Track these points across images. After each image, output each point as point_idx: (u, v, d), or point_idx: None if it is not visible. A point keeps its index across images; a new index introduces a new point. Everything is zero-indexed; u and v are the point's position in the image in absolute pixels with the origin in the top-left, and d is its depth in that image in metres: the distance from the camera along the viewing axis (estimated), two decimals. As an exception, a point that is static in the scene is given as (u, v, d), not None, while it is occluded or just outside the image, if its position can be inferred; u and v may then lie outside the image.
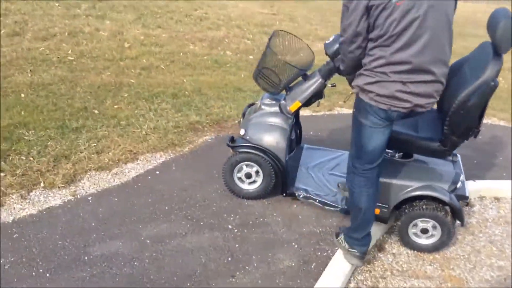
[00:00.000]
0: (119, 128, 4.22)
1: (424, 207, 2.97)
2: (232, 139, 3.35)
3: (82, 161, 3.64)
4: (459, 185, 3.08)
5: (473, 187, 3.98)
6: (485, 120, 5.56)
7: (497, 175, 4.25)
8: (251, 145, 3.24)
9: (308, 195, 3.30)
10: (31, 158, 3.56)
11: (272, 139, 3.24)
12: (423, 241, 3.13)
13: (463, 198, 3.09)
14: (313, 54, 3.21)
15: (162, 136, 4.17)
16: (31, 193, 3.22)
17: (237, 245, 2.94)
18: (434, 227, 3.05)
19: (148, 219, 3.08)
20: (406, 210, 3.02)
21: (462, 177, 3.15)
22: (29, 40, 6.51)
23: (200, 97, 5.25)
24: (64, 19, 7.80)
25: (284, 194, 3.36)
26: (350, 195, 2.76)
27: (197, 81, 5.79)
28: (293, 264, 2.82)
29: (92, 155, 3.74)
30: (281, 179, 3.30)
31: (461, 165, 3.32)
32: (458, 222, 3.06)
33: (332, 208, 3.26)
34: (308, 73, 3.24)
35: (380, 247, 3.17)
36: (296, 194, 3.32)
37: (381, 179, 2.93)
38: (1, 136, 3.77)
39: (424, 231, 3.07)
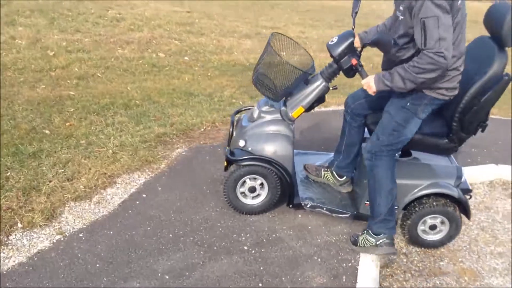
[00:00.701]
0: (81, 149, 3.79)
1: (434, 203, 2.98)
2: (231, 153, 3.10)
3: (55, 192, 3.20)
4: (463, 179, 3.13)
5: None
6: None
7: (461, 162, 4.42)
8: (257, 156, 3.02)
9: (315, 204, 3.17)
10: (-5, 195, 3.06)
11: (278, 149, 3.05)
12: (431, 237, 3.16)
13: (467, 191, 3.15)
14: (311, 57, 3.06)
15: (132, 154, 3.81)
16: (10, 237, 2.76)
17: (261, 268, 2.74)
18: (442, 223, 3.07)
19: (156, 251, 2.78)
20: (416, 209, 3.01)
21: (462, 171, 3.20)
22: None
23: (153, 105, 4.90)
24: (-35, 28, 6.92)
25: (291, 206, 3.19)
26: (375, 181, 2.81)
27: (142, 88, 5.41)
28: (325, 280, 2.70)
29: (64, 183, 3.31)
30: (289, 190, 3.12)
31: (454, 159, 3.38)
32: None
33: (341, 215, 3.16)
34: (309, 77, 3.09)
35: (393, 249, 3.13)
36: (303, 204, 3.17)
37: None
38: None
39: (433, 227, 3.08)
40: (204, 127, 4.52)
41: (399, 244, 3.21)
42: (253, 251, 2.87)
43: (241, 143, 3.07)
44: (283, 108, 3.07)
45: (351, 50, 2.81)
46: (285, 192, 3.14)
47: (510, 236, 3.47)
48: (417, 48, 2.45)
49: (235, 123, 3.35)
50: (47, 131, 4.03)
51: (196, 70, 6.55)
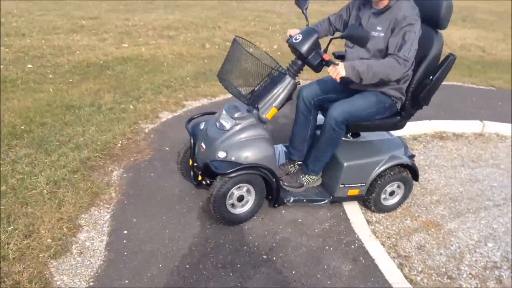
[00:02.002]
0: (10, 197, 3.23)
1: (392, 173, 3.41)
2: (212, 166, 2.98)
3: (25, 255, 2.73)
4: (407, 147, 3.64)
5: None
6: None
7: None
8: (247, 165, 3.01)
9: (296, 199, 3.32)
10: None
11: (261, 153, 3.07)
12: (391, 201, 3.60)
13: (412, 157, 3.66)
14: (272, 57, 3.10)
15: (72, 189, 3.39)
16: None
17: (293, 272, 2.83)
18: (398, 187, 3.54)
19: (189, 285, 2.63)
20: (379, 182, 3.39)
21: (405, 142, 3.69)
22: None
23: (44, 128, 4.33)
24: None
25: (276, 205, 3.28)
26: (330, 140, 3.17)
27: (12, 109, 4.69)
28: (350, 266, 2.91)
29: (27, 242, 2.82)
30: (276, 191, 3.19)
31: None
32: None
33: (320, 203, 3.38)
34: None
35: (367, 220, 3.51)
36: (285, 201, 3.29)
37: (357, 161, 3.29)
38: None
39: (391, 193, 3.53)
40: (120, 142, 4.20)
41: (366, 214, 3.57)
42: (274, 258, 2.91)
43: (221, 154, 3.00)
44: (255, 111, 3.08)
45: (317, 46, 2.94)
46: (270, 193, 3.20)
47: (432, 184, 4.12)
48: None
49: (194, 134, 3.24)
50: None
51: (52, 78, 5.87)
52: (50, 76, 5.94)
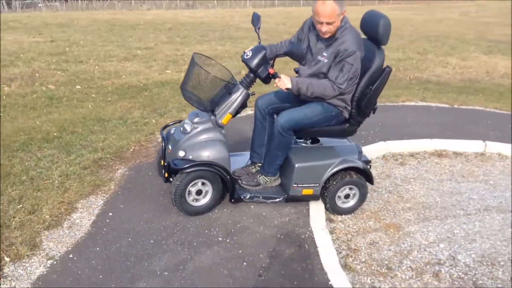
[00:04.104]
0: (27, 184, 3.92)
1: (344, 176, 3.74)
2: (173, 163, 3.43)
3: (25, 225, 3.36)
4: (363, 153, 3.99)
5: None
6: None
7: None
8: (200, 162, 3.43)
9: (252, 195, 3.70)
10: (-34, 238, 3.14)
11: (215, 152, 3.48)
12: (348, 204, 3.91)
13: (367, 162, 4.00)
14: (229, 71, 3.52)
15: (79, 181, 4.03)
16: (4, 270, 2.91)
17: (240, 251, 3.25)
18: (351, 189, 3.84)
19: (146, 255, 3.13)
20: (331, 186, 3.73)
21: (361, 147, 4.05)
22: None
23: (72, 135, 5.08)
24: None
25: (232, 200, 3.67)
26: (281, 144, 3.55)
27: (51, 120, 5.51)
28: (293, 250, 3.29)
29: (29, 217, 3.46)
30: (231, 188, 3.59)
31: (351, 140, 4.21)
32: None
33: (275, 200, 3.76)
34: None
35: (330, 220, 3.85)
36: (242, 197, 3.68)
37: (308, 163, 3.67)
38: None
39: (346, 196, 3.85)
40: (133, 148, 4.85)
41: (335, 217, 3.91)
42: (228, 240, 3.36)
43: (181, 153, 3.44)
44: (212, 117, 3.53)
45: (265, 61, 3.42)
46: (226, 189, 3.62)
47: (411, 193, 4.39)
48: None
49: (165, 138, 3.72)
50: (-19, 174, 4.05)
51: (94, 97, 6.72)
52: (93, 95, 6.81)
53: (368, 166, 3.94)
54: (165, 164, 3.57)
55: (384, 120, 6.15)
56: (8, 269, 2.92)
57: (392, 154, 5.31)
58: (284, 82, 3.29)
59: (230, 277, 2.96)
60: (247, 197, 3.67)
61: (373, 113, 3.72)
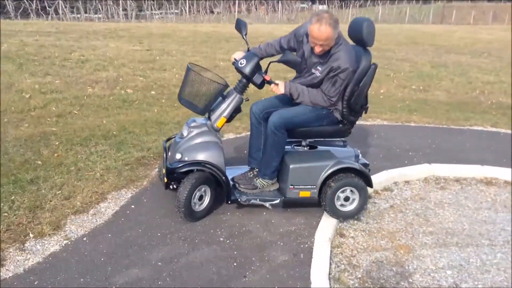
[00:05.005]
0: (73, 174, 4.40)
1: (340, 179, 3.77)
2: (167, 168, 3.60)
3: (57, 209, 3.79)
4: (360, 156, 4.05)
5: (387, 176, 4.92)
6: (374, 122, 6.69)
7: (401, 163, 5.25)
8: (194, 161, 3.59)
9: (249, 198, 3.77)
10: (6, 214, 3.63)
11: (210, 153, 3.63)
12: (349, 208, 3.92)
13: (366, 165, 4.04)
14: (222, 78, 3.62)
15: (118, 175, 4.43)
16: (26, 244, 3.33)
17: (235, 252, 3.41)
18: (352, 192, 3.85)
19: (149, 246, 3.40)
20: (329, 188, 3.77)
21: (358, 151, 4.10)
22: None
23: (129, 135, 5.54)
24: None
25: (229, 202, 3.76)
26: (275, 144, 3.69)
27: (117, 121, 6.05)
28: (286, 258, 3.38)
29: (63, 202, 3.90)
30: (226, 188, 3.69)
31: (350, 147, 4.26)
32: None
33: (273, 202, 3.84)
34: (224, 93, 3.72)
35: (341, 234, 3.86)
36: (239, 200, 3.77)
37: (304, 165, 3.77)
38: (-39, 198, 3.76)
39: (346, 198, 3.86)
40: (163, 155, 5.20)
41: (346, 230, 3.92)
42: (228, 241, 3.54)
43: (178, 156, 3.61)
44: (208, 122, 3.73)
45: (258, 68, 3.62)
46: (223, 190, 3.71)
47: (439, 218, 4.25)
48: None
49: (167, 149, 3.85)
50: (39, 162, 4.62)
51: (163, 103, 7.24)
52: (163, 101, 7.35)
53: (368, 169, 3.98)
54: (164, 171, 3.70)
55: (440, 144, 5.96)
56: (29, 244, 3.35)
57: (435, 177, 5.15)
58: (279, 89, 3.54)
59: (216, 274, 3.14)
60: (244, 199, 3.74)
61: (365, 112, 3.86)
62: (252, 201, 3.78)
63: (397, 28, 26.90)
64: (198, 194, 3.64)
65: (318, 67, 3.55)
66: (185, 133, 3.72)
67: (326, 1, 49.18)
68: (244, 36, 3.80)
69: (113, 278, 3.04)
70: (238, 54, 3.79)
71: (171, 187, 3.69)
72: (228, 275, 3.14)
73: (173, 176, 3.60)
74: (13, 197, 3.89)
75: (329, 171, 3.74)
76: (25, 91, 7.21)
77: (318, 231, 3.77)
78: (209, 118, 3.73)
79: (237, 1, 33.16)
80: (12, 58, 9.41)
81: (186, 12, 32.68)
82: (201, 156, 3.62)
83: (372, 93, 9.19)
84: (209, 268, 3.20)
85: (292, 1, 40.07)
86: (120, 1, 30.17)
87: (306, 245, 3.56)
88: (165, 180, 3.63)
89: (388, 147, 5.87)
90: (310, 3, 53.40)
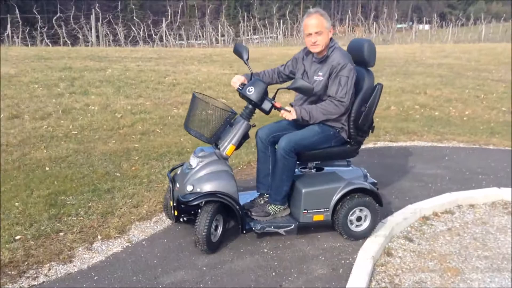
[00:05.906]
0: (144, 185, 4.86)
1: (351, 200, 3.80)
2: (178, 200, 3.58)
3: (125, 215, 4.24)
4: (368, 176, 4.09)
5: (450, 198, 4.83)
6: (449, 144, 6.55)
7: (467, 186, 5.12)
8: (206, 193, 3.49)
9: (264, 226, 3.69)
10: (81, 218, 4.14)
11: (222, 183, 3.54)
12: (361, 228, 3.93)
13: (374, 184, 4.06)
14: (229, 106, 3.65)
15: (183, 188, 4.82)
16: (93, 245, 3.78)
17: (276, 263, 3.59)
18: (361, 211, 3.86)
19: (198, 252, 3.70)
20: (341, 209, 3.80)
21: (365, 171, 4.14)
22: (29, 120, 7.10)
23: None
24: (50, 98, 8.41)
25: (244, 232, 3.69)
26: (285, 168, 3.71)
27: (192, 139, 6.51)
28: (325, 272, 3.50)
29: (131, 209, 4.34)
30: (240, 218, 3.60)
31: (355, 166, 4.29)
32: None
33: (288, 228, 3.74)
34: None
35: (388, 253, 3.89)
36: (253, 229, 3.68)
37: (316, 188, 3.80)
38: (48, 203, 4.33)
39: (358, 218, 3.87)
40: (241, 166, 5.52)
41: (394, 250, 3.95)
42: (271, 252, 3.74)
43: (189, 187, 3.49)
44: (216, 150, 3.67)
45: (266, 94, 3.63)
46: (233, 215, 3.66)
47: (499, 243, 4.11)
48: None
49: (173, 180, 3.80)
50: (117, 174, 5.16)
51: (239, 123, 7.62)
52: (239, 121, 7.74)
53: (377, 188, 3.99)
54: (174, 204, 3.64)
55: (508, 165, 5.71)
56: (96, 244, 3.81)
57: (504, 202, 4.95)
58: (291, 114, 3.56)
59: (254, 281, 3.36)
60: (258, 227, 3.65)
61: (372, 131, 3.91)
62: (267, 229, 3.66)
63: (501, 47, 25.45)
64: (214, 224, 3.57)
65: (319, 73, 3.70)
66: (193, 164, 3.63)
67: (427, 21, 47.76)
68: (245, 61, 3.74)
69: (161, 278, 3.37)
70: (238, 79, 3.84)
71: (181, 219, 3.72)
72: (265, 283, 3.34)
73: (184, 208, 3.62)
74: (90, 204, 4.41)
75: (342, 193, 3.74)
76: (118, 111, 7.98)
77: (362, 249, 3.83)
78: (217, 146, 3.68)
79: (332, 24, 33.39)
80: (112, 82, 10.38)
81: (280, 36, 33.54)
82: (214, 187, 3.50)
83: (456, 115, 8.93)
84: (248, 276, 3.42)
85: (389, 21, 39.43)
86: (219, 28, 31.74)
87: (348, 261, 3.65)
88: (175, 212, 3.63)
89: (457, 170, 5.73)
90: (410, 23, 52.12)
